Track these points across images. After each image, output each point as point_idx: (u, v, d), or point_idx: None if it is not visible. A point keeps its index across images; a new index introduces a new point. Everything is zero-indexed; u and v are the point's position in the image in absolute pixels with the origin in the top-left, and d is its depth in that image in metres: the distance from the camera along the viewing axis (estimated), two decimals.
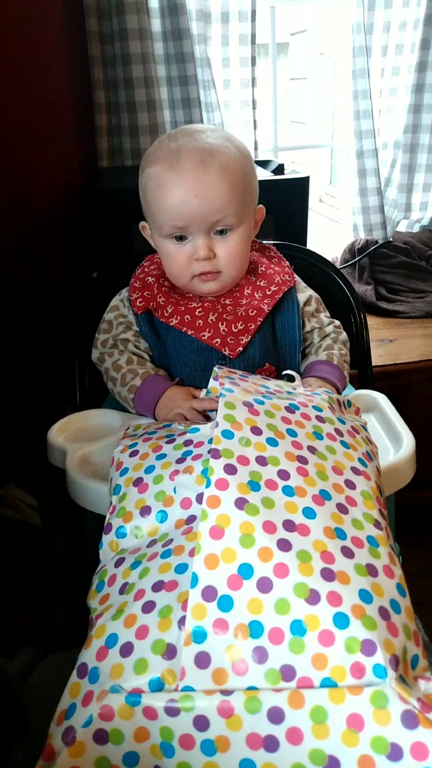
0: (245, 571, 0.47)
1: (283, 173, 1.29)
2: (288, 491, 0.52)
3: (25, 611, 0.70)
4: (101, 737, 0.43)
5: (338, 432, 0.60)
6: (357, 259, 1.61)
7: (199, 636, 0.45)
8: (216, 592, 0.46)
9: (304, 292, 0.85)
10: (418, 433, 0.73)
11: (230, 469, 0.52)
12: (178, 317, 0.77)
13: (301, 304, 0.83)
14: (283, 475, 0.53)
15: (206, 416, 0.71)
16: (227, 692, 0.43)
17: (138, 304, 0.79)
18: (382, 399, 0.81)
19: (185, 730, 0.43)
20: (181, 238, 0.74)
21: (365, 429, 0.65)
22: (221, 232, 0.74)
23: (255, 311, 0.78)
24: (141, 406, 0.76)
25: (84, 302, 1.01)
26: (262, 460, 0.53)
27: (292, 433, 0.57)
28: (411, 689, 0.43)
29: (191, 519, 0.53)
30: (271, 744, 0.42)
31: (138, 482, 0.58)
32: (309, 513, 0.50)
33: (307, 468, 0.54)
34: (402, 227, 1.72)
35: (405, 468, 0.69)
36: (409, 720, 0.41)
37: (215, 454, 0.53)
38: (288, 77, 5.58)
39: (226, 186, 0.71)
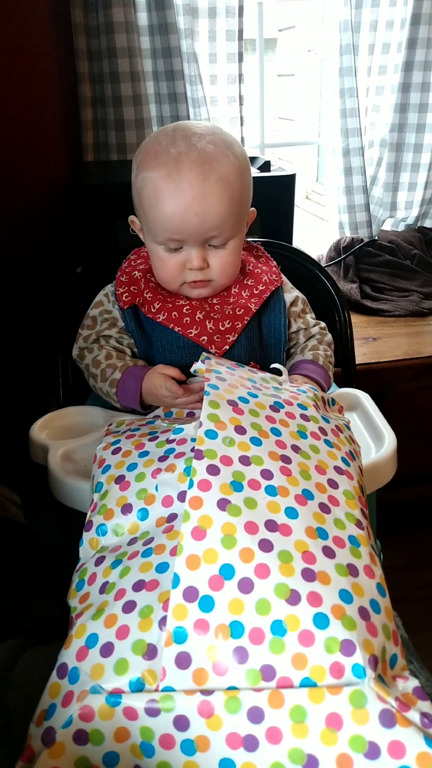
0: (227, 571, 0.47)
1: (269, 170, 1.29)
2: (271, 491, 0.52)
3: (7, 607, 0.69)
4: (81, 738, 0.43)
5: (322, 431, 0.60)
6: (342, 257, 1.61)
7: (179, 636, 0.45)
8: (197, 592, 0.46)
9: (291, 293, 0.85)
10: (401, 431, 0.74)
11: (213, 470, 0.52)
12: (166, 314, 0.77)
13: (288, 304, 0.83)
14: (267, 474, 0.53)
15: (191, 413, 0.71)
16: (207, 692, 0.44)
17: (124, 298, 0.78)
18: (364, 397, 0.81)
19: (165, 730, 0.43)
20: (175, 249, 0.73)
21: (348, 428, 0.65)
22: (216, 245, 0.73)
23: (242, 310, 0.78)
24: (125, 398, 0.76)
25: (68, 298, 1.01)
26: (245, 460, 0.53)
27: (276, 432, 0.57)
28: (389, 688, 0.44)
29: (172, 517, 0.53)
30: (250, 743, 0.43)
31: (120, 480, 0.57)
32: (291, 513, 0.50)
33: (290, 467, 0.54)
34: (387, 226, 1.73)
35: (386, 466, 0.69)
36: (387, 719, 0.42)
37: (198, 454, 0.52)
38: (275, 74, 5.57)
39: (225, 202, 0.69)
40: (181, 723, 0.43)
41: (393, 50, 1.54)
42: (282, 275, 0.84)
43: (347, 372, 1.03)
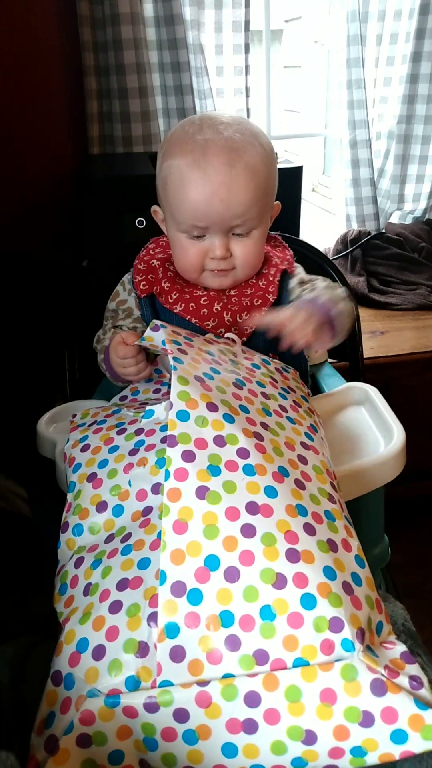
0: (212, 562, 0.47)
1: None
2: (248, 470, 0.51)
3: (14, 601, 0.70)
4: (84, 741, 0.44)
5: (282, 408, 0.60)
6: (349, 250, 1.60)
7: (172, 631, 0.45)
8: (185, 586, 0.46)
9: (295, 278, 0.81)
10: (408, 425, 0.73)
11: (188, 456, 0.50)
12: (183, 304, 0.76)
13: (290, 288, 0.80)
14: (243, 453, 0.51)
15: (157, 390, 0.70)
16: (204, 683, 0.44)
17: (142, 287, 0.78)
18: (373, 392, 0.80)
19: (166, 724, 0.44)
20: (198, 236, 0.72)
21: (306, 399, 0.65)
22: (239, 234, 0.73)
23: (260, 301, 0.77)
24: (108, 365, 0.75)
25: (74, 291, 1.01)
26: (220, 440, 0.52)
27: (245, 409, 0.56)
28: (378, 658, 0.45)
29: (148, 510, 0.53)
30: (250, 726, 0.43)
31: (92, 478, 0.57)
32: (270, 492, 0.50)
33: (264, 444, 0.53)
34: (395, 218, 1.72)
35: (395, 461, 0.69)
36: (378, 688, 0.43)
37: (171, 441, 0.51)
38: (281, 65, 5.54)
39: (251, 190, 0.69)
40: (181, 715, 0.44)
41: (401, 41, 1.53)
42: (296, 264, 0.83)
43: (355, 366, 1.02)
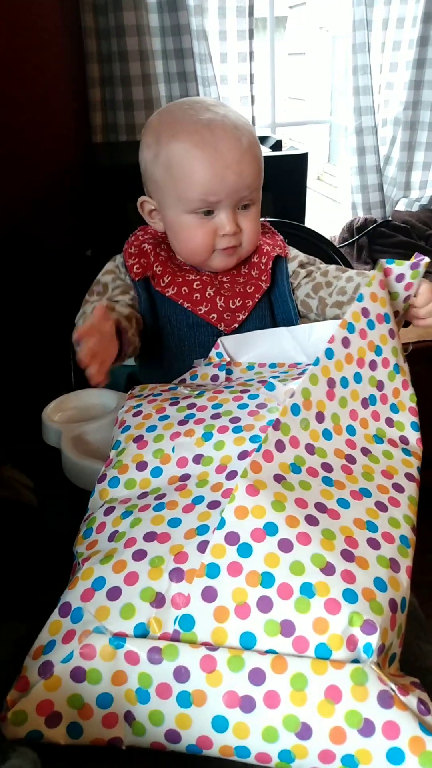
0: (270, 528, 0.47)
1: (281, 149, 1.27)
2: (327, 482, 0.52)
3: (20, 590, 0.70)
4: (78, 675, 0.44)
5: (403, 439, 0.60)
6: (356, 238, 1.59)
7: (213, 570, 0.46)
8: (238, 538, 0.47)
9: (294, 261, 0.82)
10: None
11: (279, 446, 0.52)
12: (175, 288, 0.76)
13: (290, 272, 0.81)
14: (327, 467, 0.53)
15: (215, 377, 0.69)
16: (212, 648, 0.44)
17: (135, 270, 0.76)
18: None
19: (164, 679, 0.43)
20: (207, 213, 0.73)
21: None
22: (245, 207, 0.74)
23: (253, 288, 0.77)
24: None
25: (78, 280, 1.00)
26: (310, 449, 0.54)
27: (351, 430, 0.57)
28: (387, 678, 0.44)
29: (185, 477, 0.54)
30: (247, 704, 0.43)
31: (138, 439, 0.58)
32: (343, 503, 0.51)
33: (352, 467, 0.55)
34: (401, 206, 1.70)
35: None
36: (385, 700, 0.42)
37: (276, 424, 0.53)
38: (285, 52, 5.49)
39: (256, 162, 0.73)
40: (182, 674, 0.43)
41: (408, 25, 1.51)
42: (288, 247, 0.82)
43: None
